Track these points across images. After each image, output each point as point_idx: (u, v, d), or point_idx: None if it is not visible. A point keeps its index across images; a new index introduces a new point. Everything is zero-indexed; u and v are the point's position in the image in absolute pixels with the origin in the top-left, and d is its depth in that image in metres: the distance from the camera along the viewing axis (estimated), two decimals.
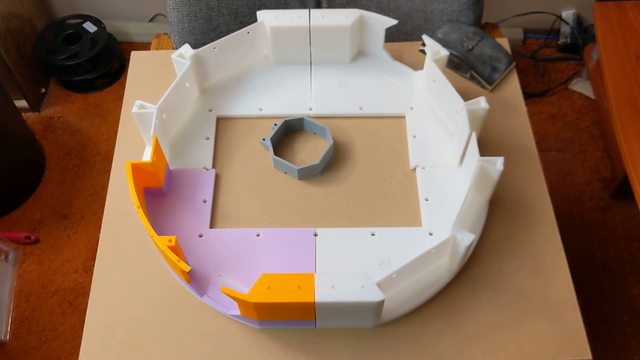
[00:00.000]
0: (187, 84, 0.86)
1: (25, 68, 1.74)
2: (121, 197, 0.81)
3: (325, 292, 0.64)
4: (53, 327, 1.42)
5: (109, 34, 1.84)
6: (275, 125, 0.85)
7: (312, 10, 0.88)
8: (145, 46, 1.94)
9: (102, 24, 1.79)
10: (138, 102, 0.78)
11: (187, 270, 0.67)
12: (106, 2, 1.86)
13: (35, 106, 1.80)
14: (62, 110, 1.82)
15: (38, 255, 1.54)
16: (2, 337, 1.41)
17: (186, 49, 0.84)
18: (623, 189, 1.52)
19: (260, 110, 0.89)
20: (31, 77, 1.78)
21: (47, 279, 1.50)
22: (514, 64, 0.93)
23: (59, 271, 1.51)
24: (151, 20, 1.92)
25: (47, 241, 1.56)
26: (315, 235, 0.77)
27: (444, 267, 0.74)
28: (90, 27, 1.79)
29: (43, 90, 1.84)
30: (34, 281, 1.49)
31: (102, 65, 1.81)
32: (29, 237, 1.54)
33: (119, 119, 0.90)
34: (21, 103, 1.77)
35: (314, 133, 0.87)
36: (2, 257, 1.49)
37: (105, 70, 1.81)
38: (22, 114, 1.75)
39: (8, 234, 1.54)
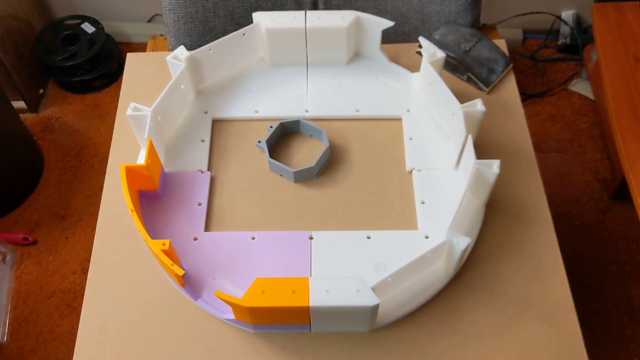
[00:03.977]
0: (182, 86, 0.85)
1: (23, 69, 1.74)
2: (116, 200, 0.81)
3: (319, 296, 0.63)
4: (50, 329, 1.42)
5: (107, 35, 1.84)
6: (271, 127, 0.84)
7: (308, 12, 0.87)
8: (144, 47, 1.94)
9: (100, 24, 1.79)
10: (132, 105, 0.78)
11: (181, 274, 0.67)
12: (104, 3, 1.86)
13: (33, 107, 1.80)
14: (60, 111, 1.82)
15: (36, 256, 1.53)
16: (0, 339, 1.40)
17: (181, 51, 0.84)
18: (622, 190, 1.52)
19: (256, 112, 0.88)
20: (29, 78, 1.77)
21: (44, 281, 1.49)
22: (511, 65, 0.92)
23: (57, 273, 1.50)
24: (149, 20, 1.92)
25: (45, 242, 1.56)
26: (311, 238, 0.77)
27: (440, 271, 0.73)
28: (88, 27, 1.78)
29: (41, 91, 1.84)
30: (32, 283, 1.49)
31: (100, 66, 1.80)
32: (26, 239, 1.54)
33: None
34: (19, 104, 1.77)
35: (310, 135, 0.87)
36: (0, 258, 1.49)
37: (104, 71, 1.81)
38: (20, 114, 1.75)
39: (6, 235, 1.53)
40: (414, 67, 0.92)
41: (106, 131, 1.76)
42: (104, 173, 0.84)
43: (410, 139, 0.85)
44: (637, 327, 1.40)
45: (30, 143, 1.67)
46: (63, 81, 1.84)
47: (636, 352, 1.37)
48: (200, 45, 0.86)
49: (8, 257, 1.52)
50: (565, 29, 1.84)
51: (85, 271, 1.50)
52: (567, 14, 1.83)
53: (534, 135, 1.69)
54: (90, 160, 1.70)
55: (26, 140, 1.65)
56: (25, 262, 1.53)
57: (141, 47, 1.94)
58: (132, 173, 0.74)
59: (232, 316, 0.69)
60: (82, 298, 0.74)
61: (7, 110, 1.56)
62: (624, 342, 1.38)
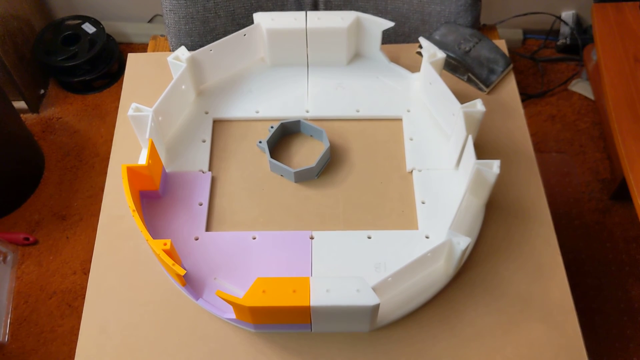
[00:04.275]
0: (183, 87, 0.85)
1: (24, 69, 1.74)
2: (117, 200, 0.81)
3: (320, 296, 0.63)
4: (51, 329, 1.42)
5: (108, 35, 1.84)
6: (272, 127, 0.85)
7: (308, 13, 0.87)
8: (145, 47, 1.94)
9: (101, 24, 1.79)
10: (134, 105, 0.78)
11: (182, 274, 0.67)
12: (105, 3, 1.86)
13: (34, 107, 1.80)
14: (61, 111, 1.82)
15: (37, 256, 1.54)
16: (1, 339, 1.41)
17: (182, 52, 0.84)
18: (622, 190, 1.52)
19: (257, 112, 0.88)
20: (30, 78, 1.78)
21: (45, 281, 1.50)
22: (511, 66, 0.92)
23: (58, 273, 1.51)
24: (150, 21, 1.92)
25: (46, 242, 1.56)
26: (312, 238, 0.77)
27: (440, 271, 0.73)
28: (89, 28, 1.78)
29: (42, 91, 1.84)
30: (33, 283, 1.49)
31: (101, 66, 1.81)
32: (27, 239, 1.54)
33: None
34: (20, 104, 1.77)
35: (311, 135, 0.87)
36: (1, 258, 1.49)
37: (104, 71, 1.81)
38: (21, 115, 1.75)
39: (7, 236, 1.54)
40: (414, 68, 0.92)
41: (107, 131, 1.76)
42: (105, 173, 0.85)
43: (411, 139, 0.85)
44: (637, 327, 1.40)
45: (31, 143, 1.68)
46: (64, 81, 1.84)
47: (636, 352, 1.37)
48: (200, 46, 0.86)
49: (9, 257, 1.52)
50: (565, 30, 1.84)
51: (85, 271, 1.50)
52: (567, 15, 1.83)
53: (534, 135, 1.69)
54: (90, 161, 1.70)
55: (27, 141, 1.65)
56: (26, 262, 1.53)
57: (142, 48, 1.95)
58: (133, 173, 0.74)
59: (233, 316, 0.69)
60: (83, 298, 0.74)
61: (8, 110, 1.56)
62: (623, 341, 1.38)
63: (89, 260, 1.52)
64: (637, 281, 1.46)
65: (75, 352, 0.71)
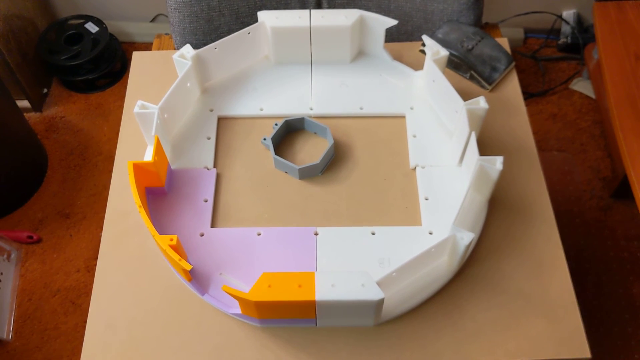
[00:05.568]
0: (188, 84, 0.86)
1: (27, 68, 1.75)
2: (123, 197, 0.82)
3: (325, 290, 0.64)
4: (55, 326, 1.43)
5: (111, 34, 1.84)
6: (276, 124, 0.85)
7: (312, 11, 0.88)
8: (147, 46, 1.95)
9: (104, 24, 1.80)
10: (139, 102, 0.78)
11: (189, 269, 0.68)
12: (108, 3, 1.87)
13: (37, 106, 1.81)
14: (64, 110, 1.82)
15: (40, 254, 1.54)
16: (5, 336, 1.41)
17: (187, 49, 0.85)
18: (623, 188, 1.53)
19: (261, 110, 0.89)
20: (33, 77, 1.78)
21: (49, 278, 1.50)
22: (513, 64, 0.93)
23: (61, 270, 1.51)
24: (152, 20, 1.93)
25: (49, 240, 1.57)
26: (316, 234, 0.77)
27: (444, 266, 0.74)
28: (92, 27, 1.79)
29: (45, 90, 1.85)
30: (36, 280, 1.50)
31: (103, 66, 1.81)
32: (31, 237, 1.55)
33: (120, 119, 0.90)
34: (23, 103, 1.78)
35: (315, 133, 0.88)
36: (5, 256, 1.50)
37: (107, 71, 1.82)
38: (24, 114, 1.76)
39: (10, 234, 1.54)
40: (417, 66, 0.93)
41: (110, 130, 1.77)
42: (108, 172, 0.85)
43: (414, 136, 0.86)
44: (638, 325, 1.40)
45: (35, 142, 1.68)
46: (67, 80, 1.85)
47: (637, 349, 1.38)
48: (205, 44, 0.87)
49: (13, 255, 1.52)
50: (566, 29, 1.85)
51: (89, 269, 1.51)
52: (568, 14, 1.84)
53: (535, 133, 1.70)
54: (93, 159, 1.71)
55: (30, 140, 1.66)
56: (29, 260, 1.54)
57: (144, 47, 1.95)
58: (139, 169, 0.75)
59: (238, 311, 0.69)
60: (86, 296, 0.75)
61: (12, 109, 1.56)
62: (625, 339, 1.39)
63: (92, 258, 1.52)
64: (638, 279, 1.47)
65: (78, 349, 0.71)
